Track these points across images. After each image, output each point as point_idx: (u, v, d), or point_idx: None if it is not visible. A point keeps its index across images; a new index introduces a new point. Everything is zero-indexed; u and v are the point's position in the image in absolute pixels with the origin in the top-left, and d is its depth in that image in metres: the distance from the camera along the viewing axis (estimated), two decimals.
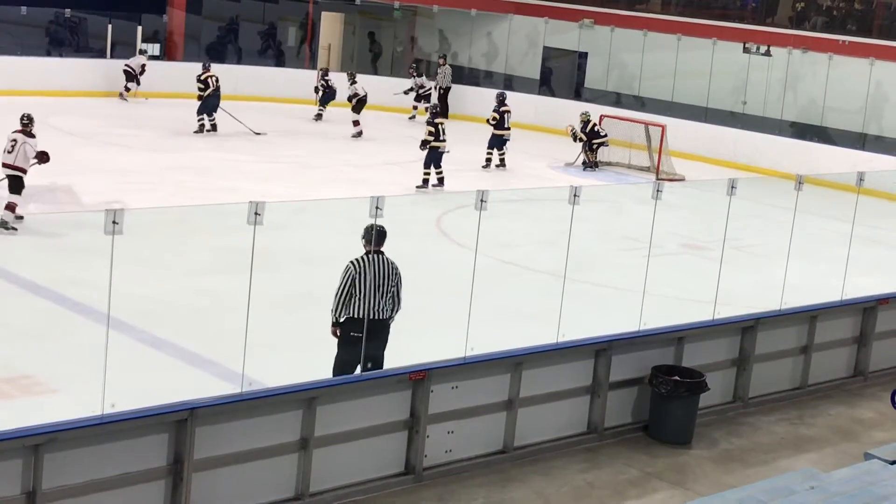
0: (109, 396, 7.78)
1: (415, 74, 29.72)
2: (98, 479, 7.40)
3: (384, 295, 9.46)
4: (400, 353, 9.46)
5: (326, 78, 26.92)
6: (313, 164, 22.19)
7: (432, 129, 20.30)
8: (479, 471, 9.22)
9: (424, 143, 20.25)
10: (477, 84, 31.44)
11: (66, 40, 29.70)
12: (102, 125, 23.75)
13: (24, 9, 27.80)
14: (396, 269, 9.54)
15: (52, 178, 16.63)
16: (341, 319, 9.51)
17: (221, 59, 29.73)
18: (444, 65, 30.62)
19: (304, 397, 8.36)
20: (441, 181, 20.31)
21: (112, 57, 28.45)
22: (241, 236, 8.22)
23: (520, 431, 9.57)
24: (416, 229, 16.24)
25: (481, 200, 9.18)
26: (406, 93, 29.40)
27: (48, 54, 28.77)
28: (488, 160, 23.25)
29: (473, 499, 8.77)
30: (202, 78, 24.10)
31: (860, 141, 26.01)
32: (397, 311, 9.64)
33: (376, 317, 9.45)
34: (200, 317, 12.06)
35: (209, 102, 23.77)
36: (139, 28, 28.82)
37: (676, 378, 10.27)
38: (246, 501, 8.15)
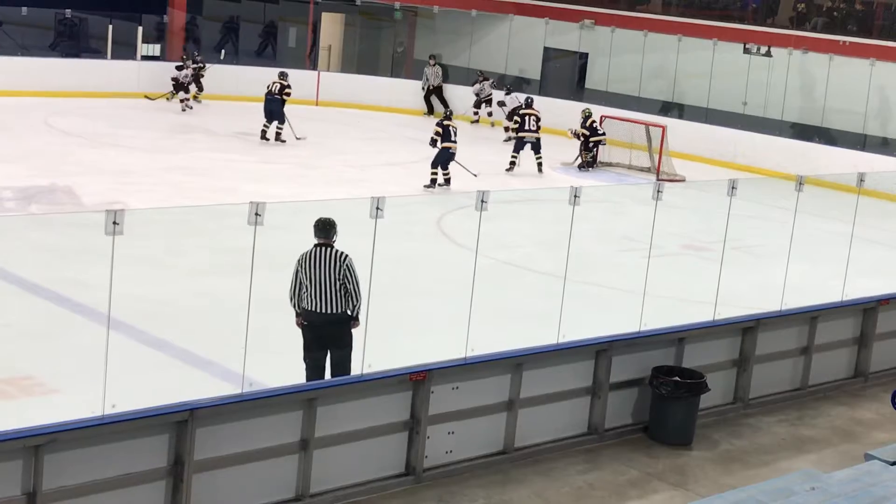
0: (110, 397, 7.78)
1: (482, 80, 29.86)
2: (98, 480, 7.40)
3: (330, 288, 9.48)
4: (400, 353, 9.46)
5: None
6: (313, 164, 22.19)
7: (439, 129, 20.31)
8: (480, 471, 9.22)
9: (434, 142, 20.29)
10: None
11: (67, 41, 29.71)
12: (103, 126, 23.76)
13: (24, 9, 27.81)
14: (345, 261, 9.50)
15: (52, 178, 16.65)
16: (298, 311, 9.66)
17: (221, 59, 29.79)
18: (433, 64, 30.67)
19: (305, 398, 8.36)
20: (448, 181, 20.33)
21: (113, 57, 28.46)
22: (242, 237, 8.23)
23: (520, 432, 9.57)
24: (416, 230, 16.24)
25: (482, 201, 9.18)
26: (476, 109, 29.78)
27: (49, 55, 28.78)
28: (512, 163, 23.21)
29: (473, 499, 8.77)
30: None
31: (861, 142, 26.01)
32: (355, 308, 9.59)
33: (323, 310, 9.49)
34: (201, 317, 12.07)
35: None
36: (139, 28, 28.83)
37: (677, 379, 10.27)
38: (246, 502, 8.15)
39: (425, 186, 20.18)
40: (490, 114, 29.35)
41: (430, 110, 30.22)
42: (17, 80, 25.69)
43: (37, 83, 25.97)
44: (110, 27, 28.49)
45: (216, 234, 14.03)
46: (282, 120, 23.55)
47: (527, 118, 23.38)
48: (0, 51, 26.77)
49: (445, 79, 31.05)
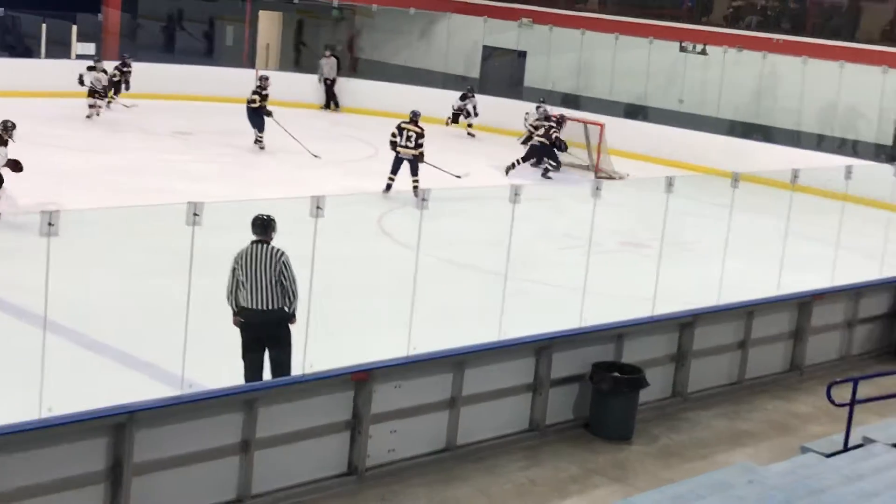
0: (47, 400, 7.69)
1: (471, 95, 28.61)
2: (36, 484, 7.30)
3: (267, 285, 9.47)
4: (342, 353, 9.44)
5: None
6: (252, 163, 22.07)
7: (395, 131, 19.95)
8: (422, 470, 9.23)
9: (392, 145, 19.93)
10: (417, 83, 31.40)
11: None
12: (36, 126, 23.41)
13: None
14: (281, 258, 9.50)
15: None
16: (236, 309, 9.65)
17: (157, 58, 29.48)
18: (329, 56, 30.46)
19: (245, 399, 8.32)
20: (414, 191, 18.29)
21: (47, 56, 28.08)
22: (180, 237, 8.17)
23: (462, 430, 9.60)
24: (358, 229, 16.20)
25: (423, 199, 9.19)
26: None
27: None
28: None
29: (416, 498, 8.78)
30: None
31: (795, 139, 26.37)
32: (292, 305, 9.59)
33: (260, 307, 9.49)
34: (139, 319, 11.95)
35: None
36: (74, 27, 28.47)
37: (616, 374, 10.35)
38: None
39: (384, 192, 19.87)
40: (470, 125, 28.42)
41: (328, 104, 30.07)
42: None
43: None
44: (44, 26, 28.11)
45: (153, 235, 13.89)
46: (260, 128, 23.07)
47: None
48: None
49: (340, 72, 30.80)
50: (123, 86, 26.74)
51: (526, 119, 25.70)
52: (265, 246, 9.55)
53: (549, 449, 9.96)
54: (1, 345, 10.88)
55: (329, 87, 30.35)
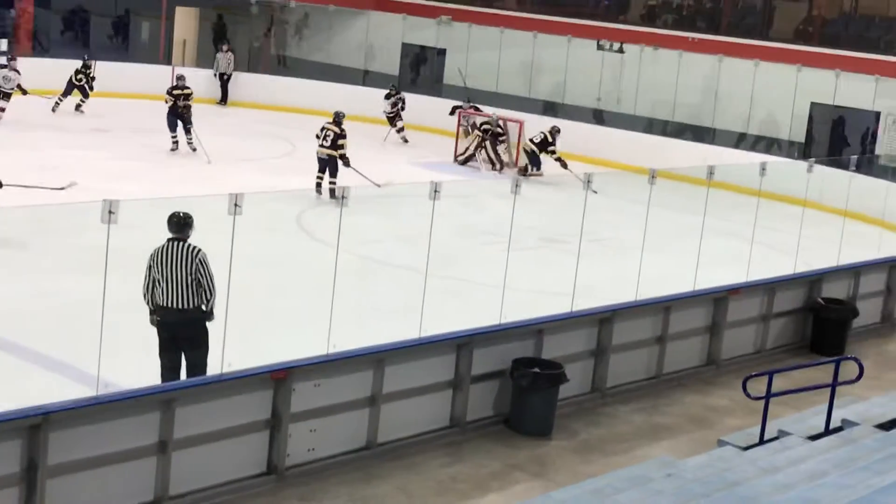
0: None
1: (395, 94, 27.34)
2: None
3: (182, 283, 9.38)
4: (261, 351, 9.37)
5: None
6: (169, 161, 21.80)
7: (318, 132, 19.72)
8: (343, 468, 9.20)
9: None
10: (340, 81, 31.27)
11: None
12: None
13: None
14: (198, 256, 9.41)
15: None
16: (152, 308, 9.54)
17: (71, 54, 28.97)
18: (226, 51, 29.88)
19: (163, 399, 8.22)
20: (331, 192, 18.33)
21: None
22: (95, 235, 8.04)
23: (383, 427, 9.58)
24: (276, 227, 16.08)
25: (342, 197, 9.15)
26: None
27: None
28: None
29: (336, 497, 8.75)
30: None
31: (710, 136, 26.74)
32: (209, 303, 9.50)
33: (177, 305, 9.39)
34: (53, 319, 11.74)
35: None
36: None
37: (536, 370, 10.41)
38: None
39: (316, 191, 19.36)
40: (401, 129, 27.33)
41: (225, 99, 29.60)
42: None
43: None
44: None
45: (68, 233, 13.67)
46: (172, 128, 22.42)
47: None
48: None
49: (237, 67, 30.20)
50: (87, 89, 26.06)
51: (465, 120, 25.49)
52: (181, 244, 9.44)
53: (470, 445, 9.99)
54: None
55: (224, 82, 29.66)
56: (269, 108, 29.59)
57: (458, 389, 10.21)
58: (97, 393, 8.07)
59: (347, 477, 9.07)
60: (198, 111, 23.33)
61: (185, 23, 33.01)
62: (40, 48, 29.05)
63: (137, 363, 9.64)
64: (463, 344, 10.18)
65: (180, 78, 22.97)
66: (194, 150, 22.27)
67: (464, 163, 24.62)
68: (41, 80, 26.54)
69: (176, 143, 22.47)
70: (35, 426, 7.50)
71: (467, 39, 30.65)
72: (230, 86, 29.63)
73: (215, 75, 29.66)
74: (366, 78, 31.20)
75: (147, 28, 32.80)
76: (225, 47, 30.12)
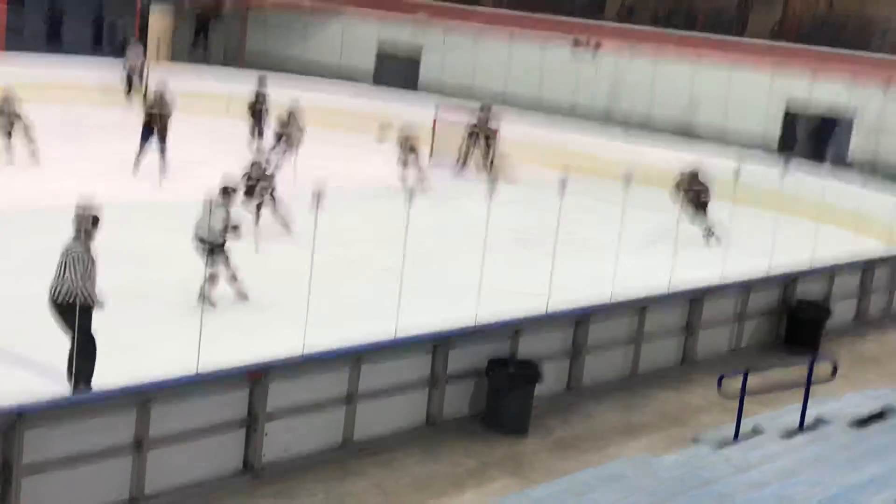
0: None
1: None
2: None
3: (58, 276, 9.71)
4: (238, 350, 9.36)
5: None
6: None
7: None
8: (319, 466, 9.19)
9: None
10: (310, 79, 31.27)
11: None
12: None
13: None
14: (65, 250, 9.71)
15: None
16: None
17: (47, 51, 28.83)
18: (135, 44, 29.15)
19: (139, 397, 8.19)
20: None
21: None
22: (61, 237, 8.02)
23: (359, 425, 9.59)
24: (251, 228, 16.05)
25: (318, 198, 9.15)
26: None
27: None
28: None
29: (313, 494, 8.74)
30: None
31: (685, 137, 26.84)
32: (60, 293, 9.67)
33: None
34: (24, 319, 11.66)
35: None
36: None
37: (512, 370, 10.44)
38: None
39: None
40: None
41: (130, 90, 28.35)
42: None
43: None
44: None
45: (41, 235, 13.59)
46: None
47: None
48: None
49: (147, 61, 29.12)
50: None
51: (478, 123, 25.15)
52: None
53: (446, 443, 10.00)
54: None
55: (129, 75, 28.35)
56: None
57: (434, 388, 10.23)
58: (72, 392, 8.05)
59: (324, 474, 9.06)
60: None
61: (161, 21, 32.90)
62: (13, 45, 28.80)
63: (112, 361, 9.62)
64: (439, 343, 10.19)
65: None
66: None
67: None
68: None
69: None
70: (9, 424, 7.46)
71: (443, 39, 30.69)
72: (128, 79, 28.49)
73: (124, 68, 28.35)
74: (339, 77, 31.13)
75: (122, 26, 32.66)
76: (133, 40, 29.12)
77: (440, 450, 9.86)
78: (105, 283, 9.80)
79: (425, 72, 31.32)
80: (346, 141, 25.59)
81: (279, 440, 9.02)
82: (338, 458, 9.37)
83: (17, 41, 28.90)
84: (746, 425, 9.77)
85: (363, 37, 32.16)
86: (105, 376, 8.75)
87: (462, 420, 10.44)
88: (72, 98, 25.59)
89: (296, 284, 10.26)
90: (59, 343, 9.60)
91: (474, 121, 24.56)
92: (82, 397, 7.99)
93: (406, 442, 9.88)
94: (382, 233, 15.52)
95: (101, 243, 9.79)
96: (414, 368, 10.10)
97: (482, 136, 24.38)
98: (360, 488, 8.92)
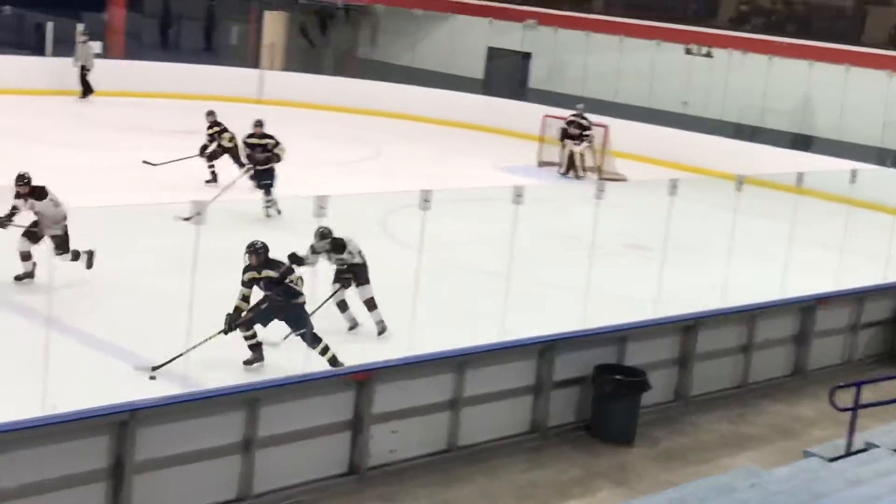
0: (50, 398, 7.69)
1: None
2: (38, 482, 7.30)
3: None
4: (344, 352, 9.45)
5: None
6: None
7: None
8: (423, 470, 9.22)
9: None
10: (422, 84, 31.44)
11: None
12: (51, 124, 23.44)
13: None
14: None
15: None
16: None
17: (163, 57, 29.54)
18: (85, 42, 28.20)
19: (247, 398, 8.31)
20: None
21: (54, 55, 28.06)
22: (185, 237, 8.18)
23: (463, 431, 9.59)
24: (360, 229, 16.15)
25: (425, 200, 9.19)
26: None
27: None
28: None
29: (417, 498, 8.77)
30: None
31: (800, 142, 26.35)
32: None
33: None
34: (142, 317, 11.94)
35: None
36: (79, 25, 28.39)
37: (618, 377, 10.34)
38: (188, 503, 8.09)
39: None
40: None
41: (86, 91, 27.74)
42: None
43: None
44: (50, 24, 28.08)
45: (163, 234, 13.91)
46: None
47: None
48: None
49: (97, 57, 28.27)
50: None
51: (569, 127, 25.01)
52: None
53: (551, 451, 9.95)
54: (6, 344, 10.86)
55: (83, 73, 27.70)
56: (358, 112, 29.81)
57: (539, 394, 10.18)
58: (183, 391, 8.19)
59: (428, 479, 9.09)
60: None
61: (274, 26, 33.41)
62: (133, 51, 29.53)
63: (223, 362, 9.78)
64: (545, 349, 10.14)
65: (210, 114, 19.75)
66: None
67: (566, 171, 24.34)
68: (130, 84, 27.17)
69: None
70: (123, 422, 7.63)
71: (553, 43, 30.59)
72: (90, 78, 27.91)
73: (75, 65, 27.65)
74: (450, 82, 31.20)
75: (236, 32, 33.27)
76: (84, 38, 28.14)
77: (545, 458, 9.81)
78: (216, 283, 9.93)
79: (534, 76, 31.25)
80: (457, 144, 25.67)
81: (384, 443, 9.07)
82: (442, 463, 9.39)
83: (136, 48, 29.63)
84: (859, 439, 9.52)
85: (473, 42, 32.20)
86: (216, 377, 8.88)
87: (567, 428, 10.38)
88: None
89: (402, 287, 10.30)
90: (173, 342, 9.77)
91: (577, 124, 24.42)
92: (194, 396, 8.13)
93: (510, 449, 9.85)
94: (490, 235, 15.51)
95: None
96: (519, 374, 10.07)
97: (584, 139, 24.21)
98: (464, 494, 8.93)
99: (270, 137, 17.54)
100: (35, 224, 12.42)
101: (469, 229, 17.23)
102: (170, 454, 7.91)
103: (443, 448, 9.53)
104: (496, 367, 9.86)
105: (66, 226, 12.38)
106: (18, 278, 12.44)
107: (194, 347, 9.44)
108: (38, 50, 28.38)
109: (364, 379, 8.86)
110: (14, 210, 12.37)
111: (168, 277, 10.85)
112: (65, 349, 9.68)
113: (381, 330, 11.68)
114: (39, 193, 12.39)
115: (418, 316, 9.38)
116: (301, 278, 10.44)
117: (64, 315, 10.77)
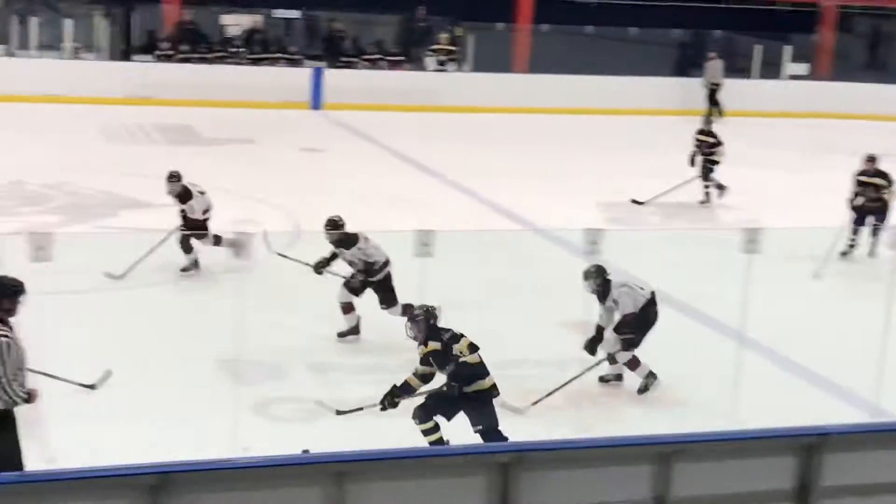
0: (741, 412, 7.71)
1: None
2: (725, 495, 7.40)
3: None
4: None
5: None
6: None
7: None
8: None
9: None
10: None
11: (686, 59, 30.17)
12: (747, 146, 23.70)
13: (633, 29, 29.33)
14: None
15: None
16: None
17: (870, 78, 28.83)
18: (713, 59, 26.91)
19: None
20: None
21: (761, 77, 28.59)
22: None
23: None
24: None
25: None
26: None
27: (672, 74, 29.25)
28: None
29: None
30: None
31: None
32: None
33: None
34: (836, 341, 11.70)
35: None
36: (786, 48, 28.67)
37: None
38: None
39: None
40: None
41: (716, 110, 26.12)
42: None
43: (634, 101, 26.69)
44: (758, 48, 28.58)
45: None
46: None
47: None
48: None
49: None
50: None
51: None
52: None
53: None
54: (695, 353, 11.25)
55: (711, 91, 26.82)
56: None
57: None
58: (872, 420, 7.88)
59: None
60: None
61: None
62: (841, 72, 29.23)
63: None
64: None
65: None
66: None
67: None
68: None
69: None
70: (809, 446, 7.50)
71: None
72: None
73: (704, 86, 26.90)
74: None
75: None
76: (713, 54, 27.18)
77: None
78: None
79: None
80: None
81: None
82: None
83: (844, 69, 29.28)
84: None
85: None
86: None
87: None
88: None
89: None
90: (864, 369, 9.42)
91: None
92: (888, 426, 7.77)
93: None
94: None
95: None
96: None
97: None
98: None
99: (884, 176, 15.10)
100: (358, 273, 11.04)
101: None
102: (860, 483, 7.59)
103: None
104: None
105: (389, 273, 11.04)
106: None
107: None
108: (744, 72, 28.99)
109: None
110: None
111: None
112: (755, 366, 9.70)
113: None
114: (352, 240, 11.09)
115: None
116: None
117: (757, 333, 10.83)
